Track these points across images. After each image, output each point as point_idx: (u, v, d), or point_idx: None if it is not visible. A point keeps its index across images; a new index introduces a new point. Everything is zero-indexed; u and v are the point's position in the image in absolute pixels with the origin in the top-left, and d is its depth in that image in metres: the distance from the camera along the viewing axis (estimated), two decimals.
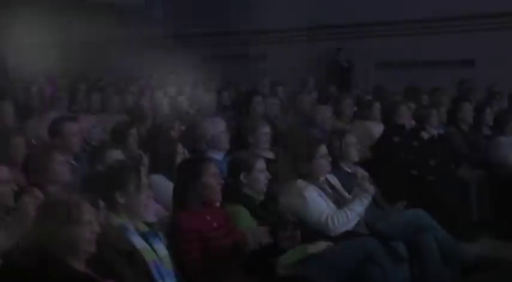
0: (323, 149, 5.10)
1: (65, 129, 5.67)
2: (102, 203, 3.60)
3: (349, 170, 5.58)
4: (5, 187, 3.94)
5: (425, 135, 7.22)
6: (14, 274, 3.07)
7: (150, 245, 3.60)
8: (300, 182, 4.95)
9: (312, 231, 4.72)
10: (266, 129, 6.10)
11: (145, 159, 5.54)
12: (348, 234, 4.78)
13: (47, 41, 16.14)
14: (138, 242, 3.54)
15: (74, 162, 4.74)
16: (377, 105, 8.01)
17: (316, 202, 4.89)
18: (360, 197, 4.93)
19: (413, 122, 7.63)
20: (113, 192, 3.61)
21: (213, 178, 4.14)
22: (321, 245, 4.55)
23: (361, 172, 5.34)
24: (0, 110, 7.08)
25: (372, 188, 4.99)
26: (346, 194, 5.15)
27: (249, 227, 4.38)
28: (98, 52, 16.35)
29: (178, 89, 11.52)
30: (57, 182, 4.39)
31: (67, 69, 14.69)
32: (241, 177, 4.60)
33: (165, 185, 4.96)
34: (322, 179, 5.10)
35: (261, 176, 4.64)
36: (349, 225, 4.87)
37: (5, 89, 11.33)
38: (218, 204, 4.41)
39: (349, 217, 4.85)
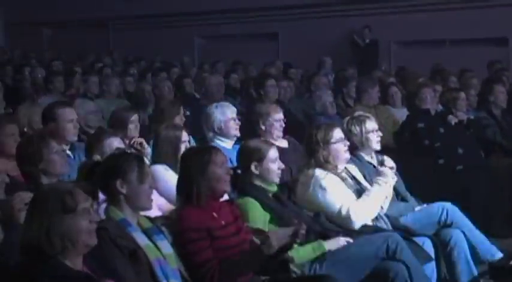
0: (338, 133, 5.09)
1: (60, 116, 5.68)
2: (101, 196, 3.60)
3: (370, 159, 5.58)
4: None
5: (452, 120, 7.20)
6: (8, 273, 3.09)
7: (154, 242, 3.60)
8: (318, 171, 4.94)
9: (331, 224, 4.72)
10: (279, 116, 6.10)
11: (148, 148, 5.56)
12: (369, 229, 4.78)
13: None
14: (141, 239, 3.54)
15: (69, 151, 4.74)
16: (400, 89, 8.00)
17: (337, 192, 4.87)
18: (377, 181, 4.92)
19: (440, 107, 7.61)
20: (114, 181, 3.60)
21: (221, 168, 4.11)
22: (340, 241, 4.55)
23: (383, 158, 5.29)
24: None
25: (388, 171, 4.97)
26: (367, 185, 5.14)
27: (261, 221, 4.40)
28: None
29: (182, 71, 11.54)
30: (52, 172, 4.40)
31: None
32: (253, 167, 4.60)
33: (169, 176, 4.97)
34: (341, 168, 5.09)
35: (273, 165, 4.63)
36: (371, 214, 4.86)
37: None
38: (227, 196, 4.42)
39: (368, 204, 4.84)
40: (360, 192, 5.03)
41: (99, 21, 17.52)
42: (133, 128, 6.04)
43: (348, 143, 5.13)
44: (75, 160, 5.25)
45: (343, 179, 5.02)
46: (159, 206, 4.59)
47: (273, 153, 4.66)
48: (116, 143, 4.88)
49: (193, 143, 5.84)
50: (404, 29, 13.39)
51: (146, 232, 3.63)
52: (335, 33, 14.14)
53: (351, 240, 4.59)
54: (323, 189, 4.85)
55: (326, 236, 4.58)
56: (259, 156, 4.61)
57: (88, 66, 12.56)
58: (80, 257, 3.12)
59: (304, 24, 14.65)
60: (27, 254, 3.04)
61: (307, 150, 5.12)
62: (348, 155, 5.14)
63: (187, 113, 7.02)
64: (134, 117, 6.11)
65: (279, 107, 6.44)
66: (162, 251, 3.59)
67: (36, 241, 3.03)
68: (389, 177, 5.00)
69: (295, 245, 4.23)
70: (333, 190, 4.87)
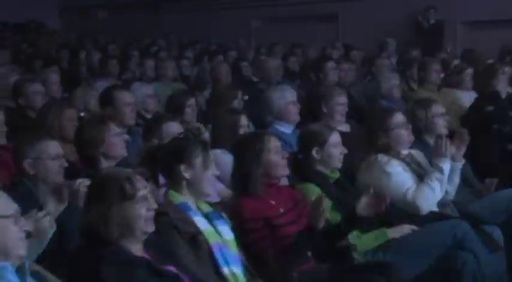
0: (399, 117, 5.05)
1: (117, 99, 5.76)
2: (162, 180, 3.64)
3: None
4: (55, 163, 4.02)
5: None
6: (70, 257, 3.16)
7: (214, 226, 3.64)
8: (381, 156, 4.91)
9: (394, 211, 4.70)
10: (341, 99, 6.07)
11: (206, 133, 5.60)
12: (435, 216, 4.75)
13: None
14: (201, 223, 3.57)
15: (127, 136, 4.79)
16: (468, 71, 7.89)
17: (401, 177, 4.84)
18: (437, 163, 4.87)
19: (510, 89, 7.49)
20: (177, 166, 3.63)
21: (276, 154, 4.10)
22: (404, 229, 4.54)
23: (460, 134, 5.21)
24: (46, 79, 7.21)
25: (447, 152, 4.90)
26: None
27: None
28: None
29: (239, 54, 11.56)
30: (111, 156, 4.46)
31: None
32: (314, 152, 4.60)
33: (228, 161, 5.00)
34: (404, 153, 5.05)
35: (335, 150, 4.63)
36: (435, 198, 4.82)
37: (50, 55, 11.58)
38: (286, 181, 4.41)
39: (431, 187, 4.78)
40: (423, 177, 4.98)
41: (154, 3, 17.65)
42: (191, 112, 6.08)
43: (410, 127, 5.09)
44: (133, 145, 5.31)
45: (406, 164, 4.99)
46: (218, 191, 4.63)
47: (335, 137, 4.66)
48: (175, 127, 4.92)
49: (252, 128, 5.86)
50: (471, 9, 13.18)
51: (206, 216, 3.67)
52: (398, 14, 13.97)
53: (415, 228, 4.57)
54: (387, 174, 4.82)
55: (390, 224, 4.57)
56: (321, 141, 4.61)
57: (143, 50, 12.68)
58: (139, 242, 3.18)
59: (366, 4, 14.51)
60: (87, 239, 3.11)
61: (368, 135, 5.10)
62: (410, 139, 5.10)
63: (246, 97, 7.03)
64: (191, 101, 6.15)
65: (340, 89, 6.41)
66: (223, 236, 3.62)
67: (94, 227, 3.09)
68: (447, 153, 4.90)
69: (358, 233, 4.23)
70: (397, 175, 4.84)
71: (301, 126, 5.73)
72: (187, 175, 3.64)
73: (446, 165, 4.87)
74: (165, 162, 3.67)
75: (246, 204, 3.97)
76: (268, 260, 3.84)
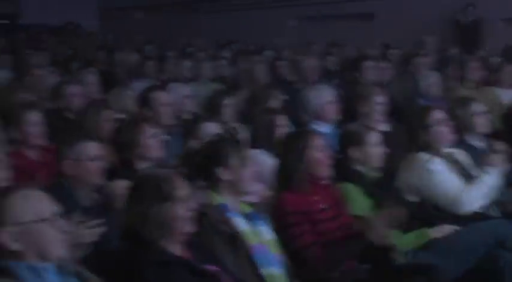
0: (438, 114, 5.01)
1: (155, 100, 5.79)
2: (199, 182, 3.65)
3: (478, 143, 5.46)
4: (94, 164, 4.05)
5: None
6: (110, 257, 3.18)
7: (254, 227, 3.64)
8: (423, 155, 4.87)
9: (436, 211, 4.66)
10: (380, 98, 6.04)
11: (243, 133, 5.60)
12: (477, 217, 4.70)
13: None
14: (241, 224, 3.59)
15: (165, 137, 4.81)
16: (508, 69, 7.80)
17: (444, 176, 4.79)
18: (487, 170, 4.82)
19: None
20: (215, 168, 3.66)
21: (319, 152, 4.13)
22: (445, 229, 4.50)
23: (496, 144, 5.16)
24: (84, 81, 7.26)
25: (499, 157, 4.85)
26: (474, 171, 5.03)
27: (361, 207, 4.38)
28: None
29: (275, 53, 11.55)
30: (147, 158, 4.48)
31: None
32: (352, 152, 4.59)
33: (265, 161, 5.00)
34: (445, 151, 5.00)
35: (375, 150, 4.62)
36: (479, 201, 4.76)
37: (88, 57, 11.66)
38: (327, 182, 4.42)
39: (477, 191, 4.73)
40: (465, 177, 4.93)
41: (191, 3, 17.72)
42: (228, 112, 6.09)
43: (450, 124, 5.04)
44: (172, 145, 5.33)
45: (448, 163, 4.94)
46: (256, 191, 4.63)
47: (374, 137, 4.65)
48: (212, 128, 4.94)
49: (292, 129, 5.84)
50: (510, 5, 13.03)
51: (246, 217, 3.68)
52: (435, 12, 13.86)
53: (457, 228, 4.53)
54: (429, 173, 4.77)
55: (431, 224, 4.53)
56: (360, 141, 4.60)
57: (180, 50, 12.72)
58: (178, 243, 3.19)
59: (402, 2, 14.42)
60: (128, 240, 3.13)
61: (409, 134, 5.07)
62: (451, 137, 5.05)
63: (284, 96, 7.02)
64: (229, 101, 6.16)
65: (378, 88, 6.38)
66: (263, 236, 3.63)
67: (134, 227, 3.11)
68: (499, 163, 4.87)
69: (398, 232, 4.21)
70: (440, 174, 4.78)
71: (340, 126, 5.72)
72: (225, 176, 3.67)
73: (495, 173, 4.82)
74: (202, 165, 3.70)
75: (287, 198, 4.01)
76: (309, 257, 3.84)
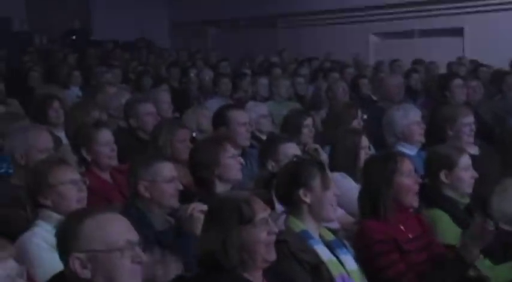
0: None
1: (231, 119, 5.80)
2: (280, 207, 3.64)
3: None
4: (170, 186, 4.06)
5: None
6: None
7: (337, 256, 3.61)
8: None
9: None
10: (469, 119, 5.94)
11: (324, 155, 5.57)
12: None
13: None
14: (324, 253, 3.55)
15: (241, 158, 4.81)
16: None
17: None
18: None
19: None
20: (296, 191, 3.63)
21: (408, 178, 4.07)
22: None
23: None
24: (157, 99, 7.29)
25: None
26: None
27: (451, 235, 4.30)
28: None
29: (357, 71, 11.50)
30: (226, 179, 4.48)
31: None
32: (442, 176, 4.51)
33: (347, 186, 4.96)
34: None
35: (465, 174, 4.53)
36: None
37: (160, 74, 11.81)
38: (412, 209, 4.36)
39: None
40: None
41: (268, 18, 17.80)
42: (308, 132, 6.08)
43: None
44: (248, 167, 5.32)
45: None
46: (337, 217, 4.59)
47: (465, 160, 4.56)
48: (292, 149, 4.90)
49: (372, 150, 5.79)
50: None
51: (328, 245, 3.64)
52: None
53: None
54: None
55: None
56: (450, 164, 4.52)
57: (256, 67, 12.77)
58: (259, 271, 3.17)
59: (493, 17, 14.19)
60: (206, 267, 3.12)
61: (503, 156, 4.96)
62: None
63: (365, 116, 6.97)
64: (308, 121, 6.15)
65: (468, 109, 6.28)
66: (346, 266, 3.60)
67: (213, 253, 3.10)
68: None
69: (490, 263, 4.12)
70: None
71: (426, 147, 5.63)
72: (307, 199, 3.64)
73: None
74: (282, 188, 3.67)
75: (374, 226, 3.95)
76: None
